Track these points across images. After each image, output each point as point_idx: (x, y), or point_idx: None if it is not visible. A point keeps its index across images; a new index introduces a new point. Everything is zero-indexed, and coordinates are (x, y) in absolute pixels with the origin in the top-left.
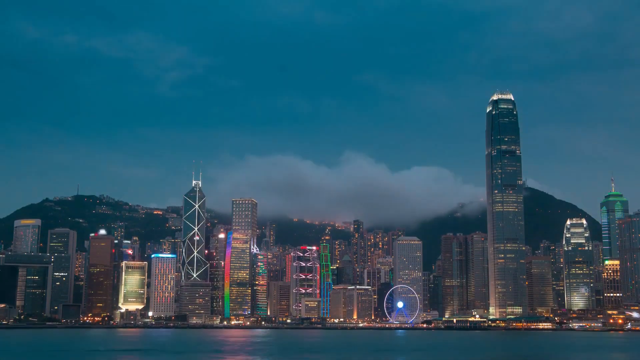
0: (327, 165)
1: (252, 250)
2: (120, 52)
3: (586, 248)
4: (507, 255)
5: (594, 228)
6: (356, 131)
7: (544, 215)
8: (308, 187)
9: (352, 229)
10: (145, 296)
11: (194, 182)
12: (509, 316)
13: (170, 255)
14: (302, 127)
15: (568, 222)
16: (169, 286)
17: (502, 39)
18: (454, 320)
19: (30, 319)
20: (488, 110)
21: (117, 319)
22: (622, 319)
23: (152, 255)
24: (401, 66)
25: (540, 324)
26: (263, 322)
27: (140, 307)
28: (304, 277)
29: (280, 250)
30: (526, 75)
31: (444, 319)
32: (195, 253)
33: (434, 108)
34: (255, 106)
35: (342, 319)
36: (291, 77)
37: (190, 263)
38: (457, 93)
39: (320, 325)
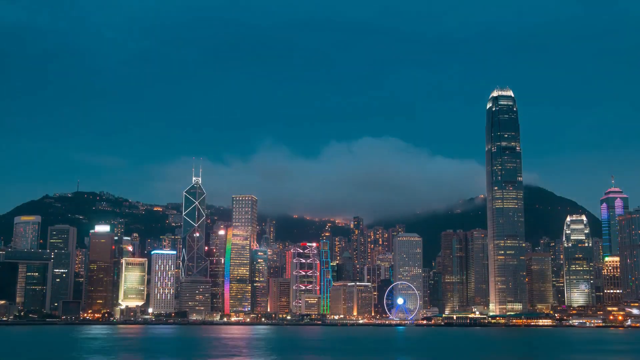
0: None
1: (252, 247)
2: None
3: (586, 244)
4: (507, 252)
5: (594, 224)
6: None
7: (544, 212)
8: (308, 182)
9: (352, 226)
10: (145, 293)
11: (194, 178)
12: (509, 313)
13: (170, 252)
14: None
15: (568, 218)
16: (169, 283)
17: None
18: (454, 316)
19: (30, 315)
20: (488, 107)
21: (117, 316)
22: (622, 315)
23: (152, 252)
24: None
25: (540, 320)
26: (263, 319)
27: (140, 303)
28: (304, 273)
29: (280, 247)
30: (516, 44)
31: (444, 315)
32: (195, 249)
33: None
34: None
35: (342, 316)
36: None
37: (191, 259)
38: (444, 68)
39: (320, 322)
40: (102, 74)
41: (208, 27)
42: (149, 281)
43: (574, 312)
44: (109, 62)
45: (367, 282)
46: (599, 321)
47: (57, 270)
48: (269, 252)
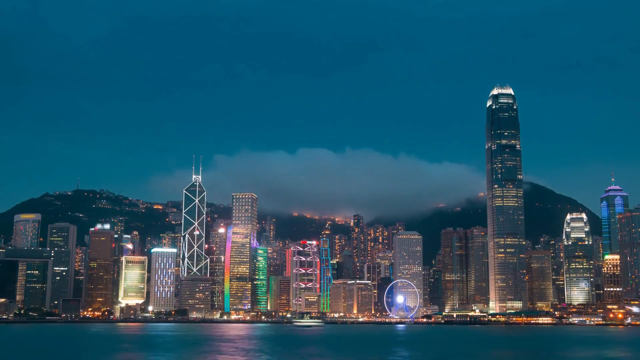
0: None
1: (252, 245)
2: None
3: (586, 242)
4: (507, 250)
5: (594, 222)
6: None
7: (544, 210)
8: (308, 180)
9: (352, 224)
10: (145, 291)
11: (194, 176)
12: (509, 311)
13: (170, 250)
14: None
15: (568, 216)
16: (169, 281)
17: None
18: (454, 315)
19: (30, 313)
20: (488, 105)
21: (117, 314)
22: (622, 313)
23: (152, 250)
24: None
25: (540, 318)
26: (263, 317)
27: (141, 301)
28: (304, 271)
29: (280, 245)
30: (516, 41)
31: (444, 313)
32: (195, 247)
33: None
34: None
35: (342, 314)
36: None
37: (191, 257)
38: (434, 51)
39: (320, 320)
40: (87, 64)
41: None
42: (149, 279)
43: (574, 310)
44: (99, 53)
45: (367, 280)
46: (599, 319)
47: (57, 269)
48: (269, 250)
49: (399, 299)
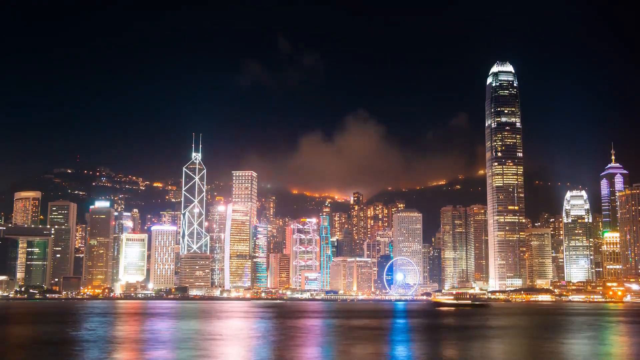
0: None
1: (252, 223)
2: None
3: (586, 220)
4: (507, 228)
5: (594, 200)
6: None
7: (543, 187)
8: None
9: (352, 202)
10: (146, 268)
11: (193, 154)
12: (509, 288)
13: (170, 228)
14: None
15: (568, 194)
16: (169, 258)
17: None
18: (454, 292)
19: (31, 291)
20: (488, 82)
21: (118, 291)
22: (621, 291)
23: (152, 228)
24: None
25: (540, 295)
26: (263, 294)
27: (141, 279)
28: (304, 249)
29: (280, 223)
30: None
31: (443, 291)
32: (195, 225)
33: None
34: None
35: (342, 291)
36: None
37: (191, 235)
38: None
39: (319, 297)
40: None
41: None
42: (149, 257)
43: (574, 287)
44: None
45: (367, 257)
46: (599, 297)
47: (57, 247)
48: (269, 227)
49: (399, 276)
